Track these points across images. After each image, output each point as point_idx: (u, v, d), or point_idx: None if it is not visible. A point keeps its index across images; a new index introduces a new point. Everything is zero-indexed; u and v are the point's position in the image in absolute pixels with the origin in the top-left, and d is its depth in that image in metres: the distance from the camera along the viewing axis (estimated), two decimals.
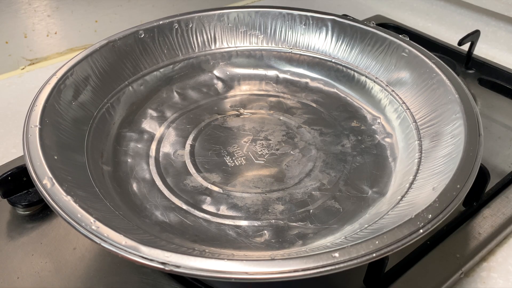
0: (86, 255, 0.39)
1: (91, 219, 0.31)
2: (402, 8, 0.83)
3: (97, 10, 0.71)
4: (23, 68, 0.67)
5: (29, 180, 0.42)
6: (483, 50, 0.69)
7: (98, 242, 0.30)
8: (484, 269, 0.40)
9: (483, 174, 0.42)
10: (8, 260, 0.38)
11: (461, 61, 0.64)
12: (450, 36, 0.73)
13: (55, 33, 0.69)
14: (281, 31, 0.56)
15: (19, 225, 0.41)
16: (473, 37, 0.63)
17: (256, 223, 0.39)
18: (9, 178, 0.42)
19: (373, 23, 0.53)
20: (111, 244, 0.29)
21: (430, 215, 0.31)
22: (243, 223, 0.39)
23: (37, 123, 0.38)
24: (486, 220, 0.42)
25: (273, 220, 0.39)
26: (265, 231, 0.38)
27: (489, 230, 0.42)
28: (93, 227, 0.30)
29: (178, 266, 0.28)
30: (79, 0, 0.69)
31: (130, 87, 0.50)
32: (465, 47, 0.63)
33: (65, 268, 0.38)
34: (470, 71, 0.64)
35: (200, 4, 0.78)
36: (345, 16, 0.55)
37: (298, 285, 0.36)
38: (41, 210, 0.43)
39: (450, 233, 0.41)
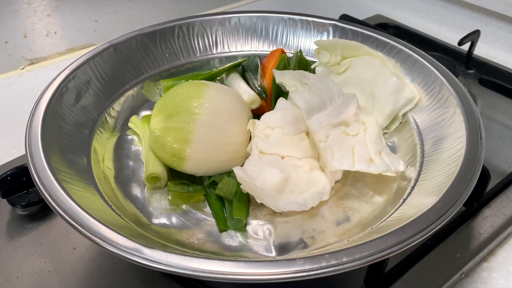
0: (86, 255, 0.39)
1: (93, 221, 0.31)
2: (402, 8, 0.83)
3: (97, 10, 0.71)
4: (23, 68, 0.67)
5: (29, 180, 0.42)
6: (483, 50, 0.69)
7: (101, 244, 0.30)
8: (484, 269, 0.40)
9: (484, 174, 0.41)
10: (8, 260, 0.38)
11: (461, 61, 0.64)
12: (450, 36, 0.73)
13: (55, 32, 0.69)
14: (282, 35, 0.56)
15: (18, 225, 0.41)
16: (473, 37, 0.63)
17: (259, 222, 0.39)
18: (9, 178, 0.42)
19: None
20: (114, 246, 0.29)
21: (432, 217, 0.31)
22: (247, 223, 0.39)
23: (39, 126, 0.38)
24: (487, 220, 0.42)
25: (276, 219, 0.39)
26: (268, 231, 0.38)
27: (489, 230, 0.41)
28: (95, 228, 0.30)
29: (179, 268, 0.28)
30: (79, 0, 0.69)
31: (132, 90, 0.50)
32: (465, 47, 0.63)
33: (65, 268, 0.38)
34: (470, 71, 0.64)
35: (199, 4, 0.78)
36: (346, 21, 0.55)
37: (298, 284, 0.36)
38: (40, 210, 0.43)
39: (450, 233, 0.41)
